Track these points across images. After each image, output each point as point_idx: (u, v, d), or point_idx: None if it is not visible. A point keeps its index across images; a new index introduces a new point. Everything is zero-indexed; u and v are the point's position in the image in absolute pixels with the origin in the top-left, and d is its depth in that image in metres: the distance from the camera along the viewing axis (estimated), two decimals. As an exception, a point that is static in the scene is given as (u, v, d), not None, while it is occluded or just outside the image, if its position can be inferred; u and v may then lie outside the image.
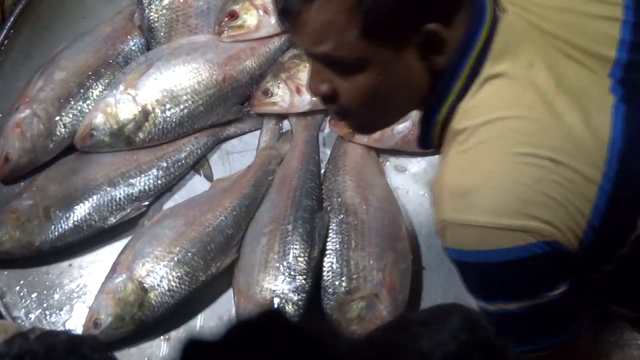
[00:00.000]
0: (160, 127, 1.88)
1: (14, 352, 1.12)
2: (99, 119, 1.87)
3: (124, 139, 1.87)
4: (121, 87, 1.88)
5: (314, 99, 1.83)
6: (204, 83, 1.90)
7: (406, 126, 1.82)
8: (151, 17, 1.94)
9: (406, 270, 1.75)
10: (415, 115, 1.78)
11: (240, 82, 1.92)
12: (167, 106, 1.88)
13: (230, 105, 1.93)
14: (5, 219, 1.81)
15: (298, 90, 1.88)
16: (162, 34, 1.94)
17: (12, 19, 2.01)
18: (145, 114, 1.87)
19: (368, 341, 1.13)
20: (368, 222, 1.77)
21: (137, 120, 1.87)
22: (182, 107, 1.89)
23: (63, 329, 1.76)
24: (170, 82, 1.88)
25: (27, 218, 1.80)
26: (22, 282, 1.84)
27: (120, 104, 1.87)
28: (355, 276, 1.72)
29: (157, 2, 1.94)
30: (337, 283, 1.73)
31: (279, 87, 1.88)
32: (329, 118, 1.89)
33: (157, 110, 1.88)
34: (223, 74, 1.91)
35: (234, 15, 1.94)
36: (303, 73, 1.87)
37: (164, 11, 1.94)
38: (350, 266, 1.73)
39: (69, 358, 1.11)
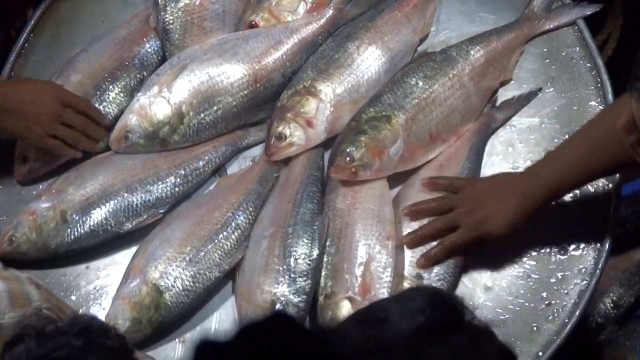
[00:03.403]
0: (195, 128, 1.90)
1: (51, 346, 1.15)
2: (134, 122, 1.89)
3: (159, 141, 1.89)
4: (155, 89, 1.90)
5: (328, 125, 1.85)
6: (237, 84, 1.91)
7: (399, 146, 1.82)
8: (166, 19, 1.95)
9: (385, 271, 1.73)
10: (401, 132, 1.79)
11: (273, 81, 1.93)
12: (201, 108, 1.89)
13: (262, 104, 1.94)
14: (23, 220, 1.83)
15: (309, 124, 1.86)
16: (176, 36, 1.95)
17: (32, 22, 2.04)
18: (179, 116, 1.89)
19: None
20: (351, 224, 1.77)
21: (172, 123, 1.89)
22: (215, 108, 1.90)
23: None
24: (204, 84, 1.90)
25: (44, 221, 1.82)
26: (39, 284, 1.86)
27: (155, 106, 1.89)
28: (332, 281, 1.74)
29: (172, 5, 1.95)
30: (321, 287, 1.75)
31: (290, 128, 1.86)
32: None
33: (191, 112, 1.89)
34: (254, 73, 1.91)
35: (254, 27, 1.96)
36: (307, 106, 1.86)
37: (180, 13, 1.95)
38: (330, 270, 1.75)
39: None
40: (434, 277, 1.74)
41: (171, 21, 1.95)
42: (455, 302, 1.13)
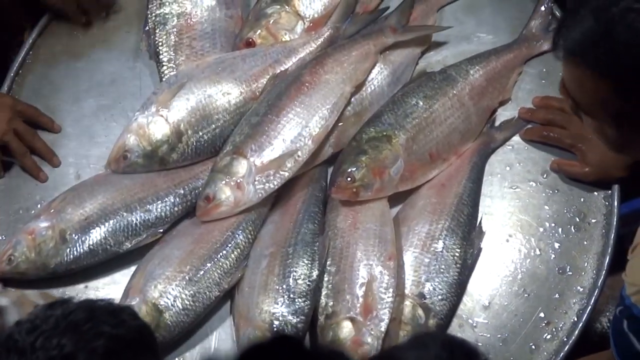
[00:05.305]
0: (193, 146, 1.90)
1: (57, 314, 1.14)
2: (132, 141, 1.89)
3: (157, 160, 1.89)
4: (153, 108, 1.90)
5: (259, 187, 1.82)
6: (234, 102, 1.91)
7: (399, 166, 1.84)
8: (157, 42, 1.97)
9: (386, 291, 1.74)
10: (402, 152, 1.81)
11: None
12: (200, 126, 1.89)
13: None
14: (22, 240, 1.82)
15: (239, 186, 1.83)
16: (168, 57, 1.97)
17: (29, 41, 2.04)
18: (178, 134, 1.89)
19: None
20: (352, 244, 1.78)
21: (170, 142, 1.89)
22: (214, 126, 1.90)
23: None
24: (202, 102, 1.90)
25: (43, 240, 1.81)
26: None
27: (153, 125, 1.89)
28: (333, 301, 1.74)
29: (161, 27, 1.97)
30: (322, 307, 1.75)
31: (219, 190, 1.83)
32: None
33: (189, 130, 1.89)
34: (252, 91, 1.92)
35: (251, 44, 1.97)
36: (238, 167, 1.83)
37: (169, 35, 1.97)
38: (331, 290, 1.76)
39: (109, 321, 1.13)
40: (437, 296, 1.74)
41: (161, 43, 1.97)
42: (468, 347, 1.12)
